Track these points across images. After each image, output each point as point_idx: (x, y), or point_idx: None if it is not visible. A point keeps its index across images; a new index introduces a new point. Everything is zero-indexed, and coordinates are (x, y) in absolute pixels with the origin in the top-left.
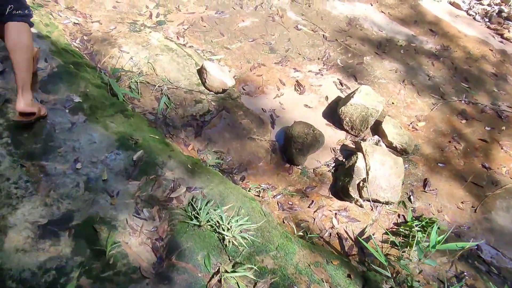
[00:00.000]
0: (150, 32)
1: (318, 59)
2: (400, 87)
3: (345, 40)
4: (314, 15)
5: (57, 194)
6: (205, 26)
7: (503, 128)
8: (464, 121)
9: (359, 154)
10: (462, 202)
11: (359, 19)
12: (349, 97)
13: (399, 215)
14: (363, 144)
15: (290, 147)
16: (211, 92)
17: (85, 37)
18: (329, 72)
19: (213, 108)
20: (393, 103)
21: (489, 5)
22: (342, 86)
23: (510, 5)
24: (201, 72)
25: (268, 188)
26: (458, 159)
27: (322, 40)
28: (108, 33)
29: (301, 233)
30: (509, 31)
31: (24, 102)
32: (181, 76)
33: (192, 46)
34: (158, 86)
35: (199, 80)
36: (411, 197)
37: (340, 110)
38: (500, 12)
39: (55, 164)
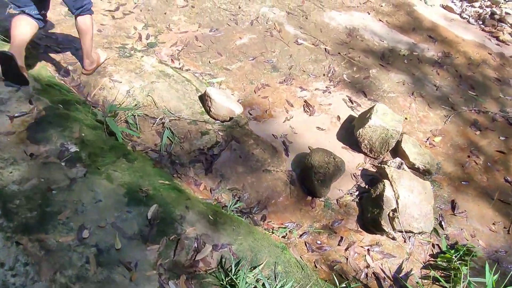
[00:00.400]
0: (142, 56)
1: (324, 75)
2: (410, 100)
3: (348, 53)
4: (313, 27)
5: (64, 276)
6: (200, 46)
7: None
8: (478, 132)
9: (386, 182)
10: (493, 224)
11: (358, 29)
12: (366, 117)
13: (433, 245)
14: (388, 170)
15: (311, 179)
16: (217, 121)
17: (70, 67)
18: (336, 88)
19: (221, 139)
20: (406, 118)
21: (480, 7)
22: (352, 103)
23: (501, 7)
24: (204, 99)
25: (293, 228)
26: (481, 174)
27: (325, 54)
28: None
29: (344, 285)
30: (503, 33)
31: (88, 63)
32: (182, 105)
33: (189, 70)
34: (159, 119)
35: (202, 108)
36: (442, 222)
37: (358, 132)
38: (492, 14)
39: (57, 235)
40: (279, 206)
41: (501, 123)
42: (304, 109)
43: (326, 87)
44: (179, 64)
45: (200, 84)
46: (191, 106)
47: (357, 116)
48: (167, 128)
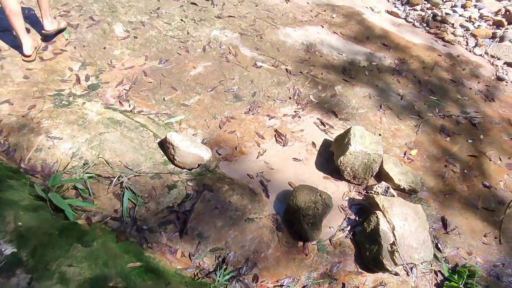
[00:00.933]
0: (84, 103)
1: (290, 98)
2: (380, 114)
3: (309, 71)
4: (270, 47)
5: None
6: (151, 82)
7: (481, 136)
8: (448, 139)
9: (379, 213)
10: (485, 236)
11: (316, 44)
12: (344, 143)
13: (435, 272)
14: (377, 199)
15: (300, 223)
16: (184, 169)
17: None
18: (305, 112)
19: (191, 191)
20: (380, 134)
21: (422, 10)
22: (324, 126)
23: (440, 9)
24: (165, 146)
25: (290, 284)
26: (461, 184)
27: (287, 75)
28: (25, 116)
29: None
30: (447, 34)
31: (48, 23)
32: (141, 157)
33: (142, 111)
34: (116, 179)
35: (165, 157)
36: (439, 245)
37: (339, 160)
38: (434, 16)
39: None
40: (270, 259)
41: (465, 125)
42: (276, 140)
43: (295, 111)
44: (129, 106)
45: (157, 128)
46: (151, 156)
47: (332, 139)
48: (126, 188)
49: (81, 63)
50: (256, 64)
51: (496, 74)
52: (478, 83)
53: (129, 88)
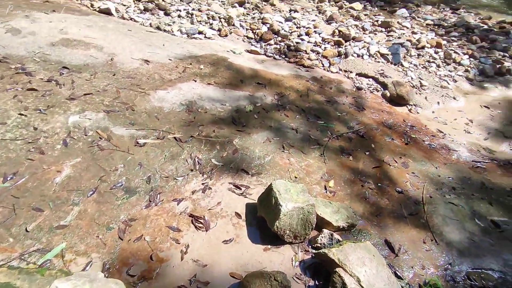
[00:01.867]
0: None
1: (191, 170)
2: (286, 155)
3: (200, 132)
4: (147, 118)
5: None
6: (0, 211)
7: (372, 145)
8: (350, 157)
9: (340, 271)
10: (424, 242)
11: (195, 101)
12: (272, 204)
13: None
14: (331, 254)
15: None
16: None
17: None
18: (214, 180)
19: None
20: (296, 177)
21: (276, 43)
22: (240, 189)
23: (290, 39)
24: None
25: None
26: (381, 198)
27: (178, 145)
28: None
29: None
30: (305, 60)
31: None
32: None
33: (1, 261)
34: None
35: None
36: (397, 272)
37: (275, 226)
38: (288, 46)
39: None
40: None
41: (356, 139)
42: (195, 227)
43: (203, 183)
44: None
45: (30, 280)
46: None
47: (255, 201)
48: None
49: None
50: (138, 143)
51: (355, 85)
52: (346, 97)
53: None
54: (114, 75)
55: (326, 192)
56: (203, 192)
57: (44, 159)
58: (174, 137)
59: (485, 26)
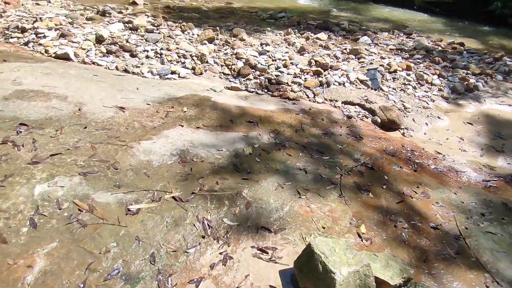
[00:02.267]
0: None
1: (203, 237)
2: (305, 202)
3: (202, 186)
4: (134, 176)
5: None
6: None
7: (385, 177)
8: (370, 195)
9: None
10: (487, 287)
11: (188, 150)
12: (321, 272)
13: None
14: None
15: None
16: None
17: None
18: (233, 245)
19: None
20: (323, 227)
21: (255, 78)
22: (267, 253)
23: (269, 73)
24: None
25: None
26: (420, 239)
27: (179, 206)
28: None
29: None
30: (288, 92)
31: None
32: None
33: None
34: None
35: None
36: None
37: None
38: (269, 80)
39: None
40: None
41: (367, 172)
42: None
43: (221, 253)
44: None
45: None
46: None
47: (289, 267)
48: None
49: None
50: (130, 210)
51: (344, 114)
52: (340, 127)
53: None
54: (85, 127)
55: (362, 241)
56: (224, 265)
57: (7, 251)
58: (173, 197)
59: (439, 48)
